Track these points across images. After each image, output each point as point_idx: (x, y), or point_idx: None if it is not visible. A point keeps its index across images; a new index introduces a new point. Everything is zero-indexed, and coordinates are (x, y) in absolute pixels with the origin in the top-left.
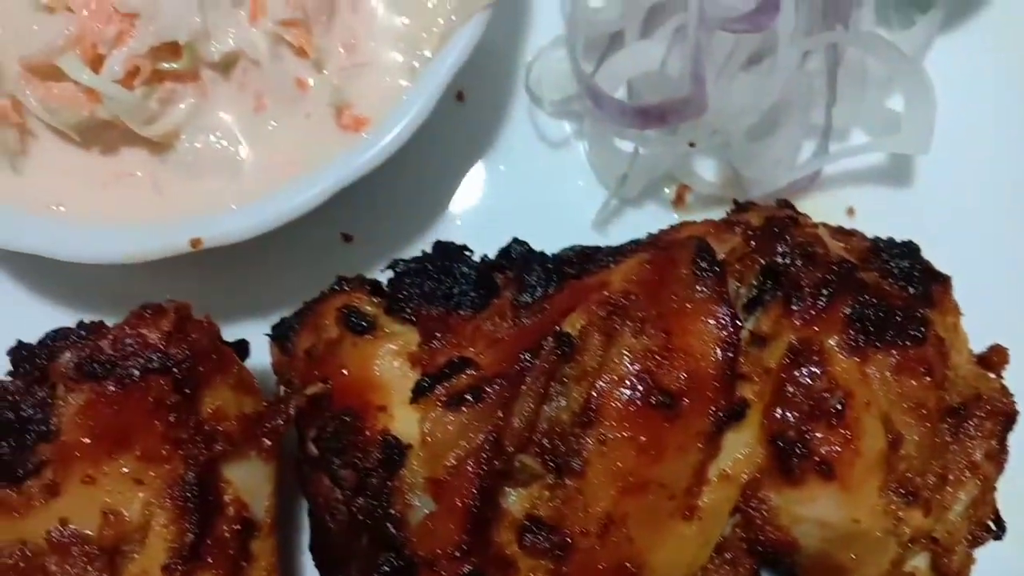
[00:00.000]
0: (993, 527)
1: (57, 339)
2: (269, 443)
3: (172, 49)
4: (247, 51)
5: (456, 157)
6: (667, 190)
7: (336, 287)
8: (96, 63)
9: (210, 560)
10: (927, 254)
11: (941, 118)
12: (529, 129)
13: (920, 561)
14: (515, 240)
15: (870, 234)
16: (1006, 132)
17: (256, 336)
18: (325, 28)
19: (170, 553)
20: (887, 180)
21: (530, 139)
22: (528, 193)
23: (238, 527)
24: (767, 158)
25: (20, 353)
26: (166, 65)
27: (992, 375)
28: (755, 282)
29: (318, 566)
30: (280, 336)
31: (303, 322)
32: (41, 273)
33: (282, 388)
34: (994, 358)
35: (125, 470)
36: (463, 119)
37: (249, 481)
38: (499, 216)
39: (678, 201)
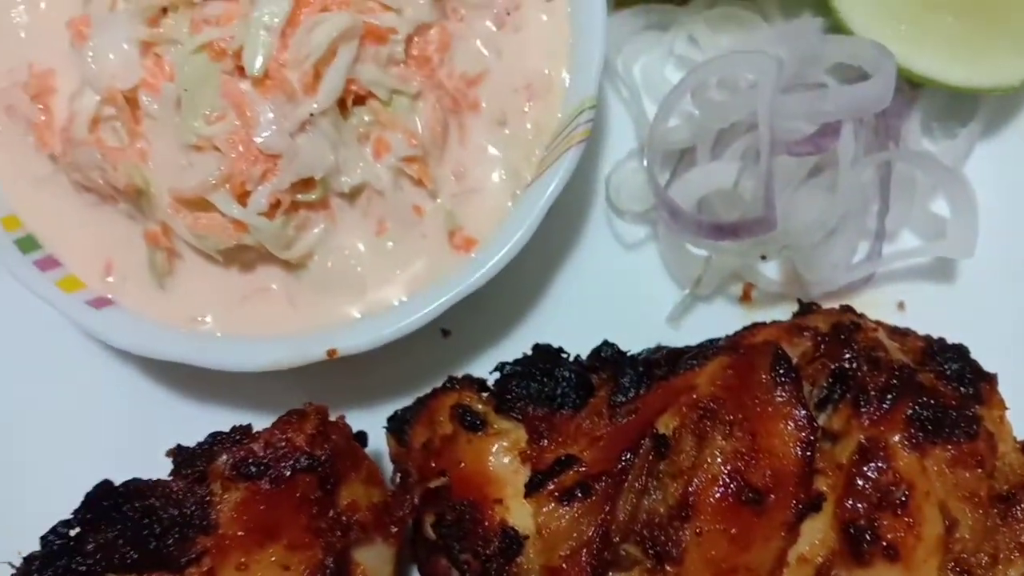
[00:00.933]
0: None
1: (214, 443)
2: (395, 530)
3: (308, 183)
4: (372, 183)
5: (542, 259)
6: (734, 288)
7: (448, 385)
8: (243, 197)
9: None
10: (969, 342)
11: (983, 219)
12: (607, 232)
13: None
14: (605, 342)
15: (920, 328)
16: None
17: (364, 422)
18: (438, 160)
19: None
20: (934, 278)
21: (608, 242)
22: (608, 290)
23: None
24: (826, 262)
25: (180, 455)
26: (301, 196)
27: None
28: (825, 384)
29: None
30: (396, 429)
31: (417, 417)
32: (189, 379)
33: (398, 476)
34: None
35: (274, 558)
36: (547, 224)
37: (375, 563)
38: (582, 310)
39: (744, 298)
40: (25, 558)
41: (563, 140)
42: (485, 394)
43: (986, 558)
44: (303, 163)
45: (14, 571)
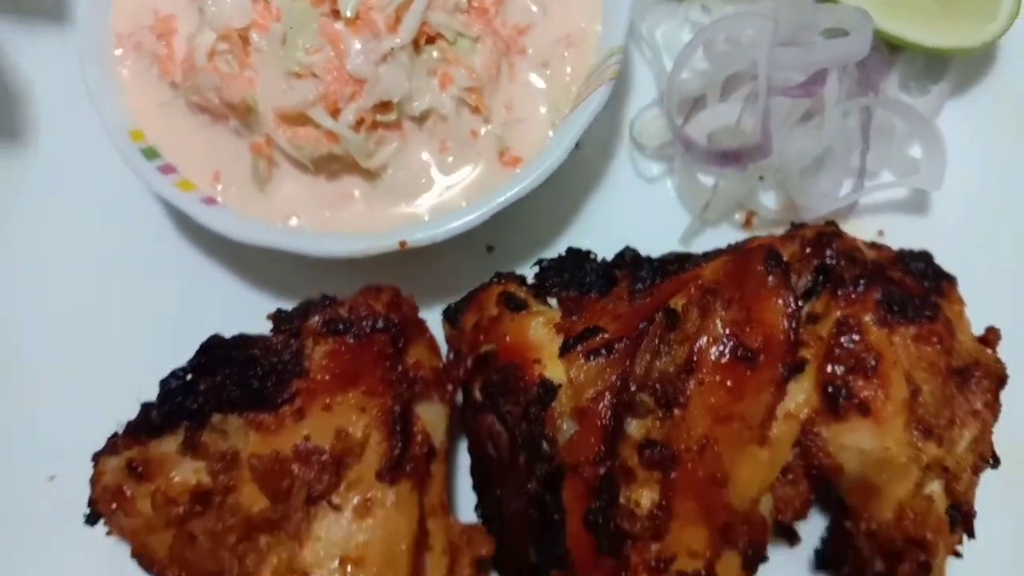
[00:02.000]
0: (990, 460)
1: (308, 307)
2: (451, 388)
3: (386, 106)
4: (438, 109)
5: (574, 191)
6: (738, 216)
7: (494, 280)
8: (334, 114)
9: (408, 470)
10: (940, 262)
11: (951, 162)
12: (630, 169)
13: (936, 487)
14: (627, 247)
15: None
16: (1000, 172)
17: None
18: (492, 93)
19: (382, 463)
20: (909, 209)
21: (631, 177)
22: (629, 217)
23: (426, 450)
24: (816, 191)
25: (280, 317)
26: (380, 117)
27: (988, 350)
28: (810, 277)
29: (476, 485)
30: (450, 317)
31: (468, 306)
32: (282, 267)
33: (452, 354)
34: (990, 336)
35: (353, 401)
36: (581, 161)
37: (433, 418)
38: (606, 234)
39: (746, 224)
40: (143, 405)
41: (596, 78)
42: (525, 287)
43: (944, 421)
44: (384, 88)
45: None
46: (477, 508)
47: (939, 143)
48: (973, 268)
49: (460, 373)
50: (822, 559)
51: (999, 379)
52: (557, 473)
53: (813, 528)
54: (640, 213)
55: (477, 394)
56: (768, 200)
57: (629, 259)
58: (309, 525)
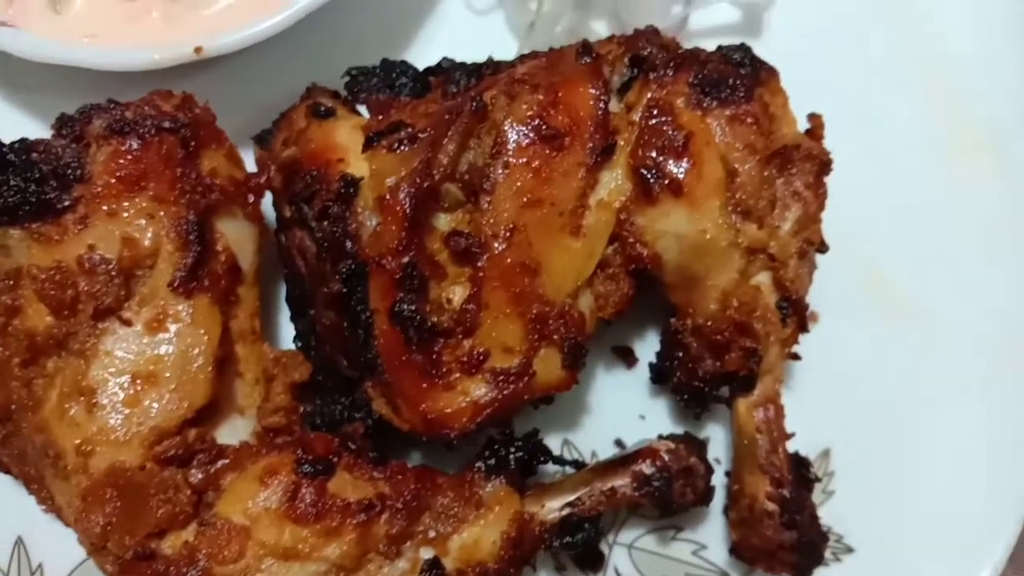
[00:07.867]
0: (818, 245)
1: (91, 110)
2: (254, 198)
3: None
4: None
5: (396, 13)
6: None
7: (305, 95)
8: None
9: (206, 284)
10: None
11: None
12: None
13: (764, 278)
14: (444, 58)
15: None
16: None
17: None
18: None
19: (175, 273)
20: (738, 31)
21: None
22: (458, 50)
23: (228, 267)
24: (646, 10)
25: (62, 121)
26: None
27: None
28: (624, 69)
29: (292, 310)
30: (261, 139)
31: (279, 125)
32: (77, 79)
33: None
34: (814, 124)
35: (140, 208)
36: None
37: (237, 236)
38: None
39: None
40: None
41: None
42: (338, 100)
43: (764, 202)
44: None
45: None
46: (295, 339)
47: None
48: (805, 82)
49: (264, 176)
50: (657, 372)
51: (823, 163)
52: (361, 269)
53: (651, 350)
54: (469, 45)
55: (287, 210)
56: (600, 27)
57: (446, 66)
58: (97, 341)
